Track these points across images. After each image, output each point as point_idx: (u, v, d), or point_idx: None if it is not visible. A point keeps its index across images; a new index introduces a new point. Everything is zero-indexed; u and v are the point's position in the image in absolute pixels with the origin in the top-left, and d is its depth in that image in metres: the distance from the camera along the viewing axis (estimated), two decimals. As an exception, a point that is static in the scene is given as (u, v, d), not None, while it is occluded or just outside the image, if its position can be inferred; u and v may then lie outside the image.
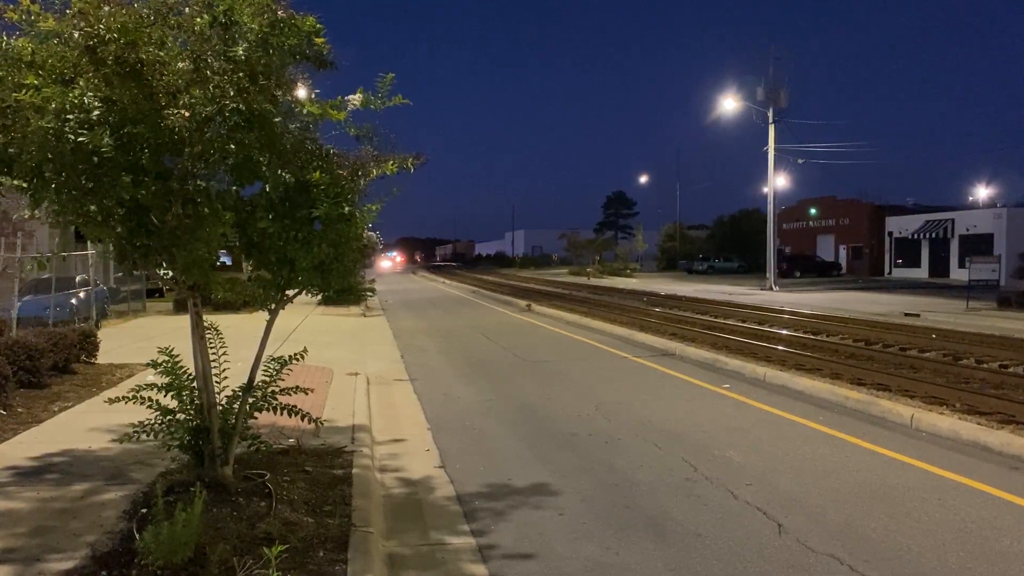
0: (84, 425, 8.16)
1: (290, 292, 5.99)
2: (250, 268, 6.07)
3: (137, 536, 4.59)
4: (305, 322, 20.77)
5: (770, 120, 40.65)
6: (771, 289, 38.24)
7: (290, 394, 6.20)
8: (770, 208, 41.54)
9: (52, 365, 10.56)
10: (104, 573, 4.35)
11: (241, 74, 4.79)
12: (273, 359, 6.23)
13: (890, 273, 55.59)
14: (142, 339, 16.10)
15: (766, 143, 40.98)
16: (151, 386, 5.87)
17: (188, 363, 5.95)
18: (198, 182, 5.05)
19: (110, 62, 4.51)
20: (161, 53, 4.69)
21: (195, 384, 5.85)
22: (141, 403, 5.84)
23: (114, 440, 6.99)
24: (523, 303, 29.34)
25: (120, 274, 24.95)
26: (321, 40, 5.20)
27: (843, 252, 61.06)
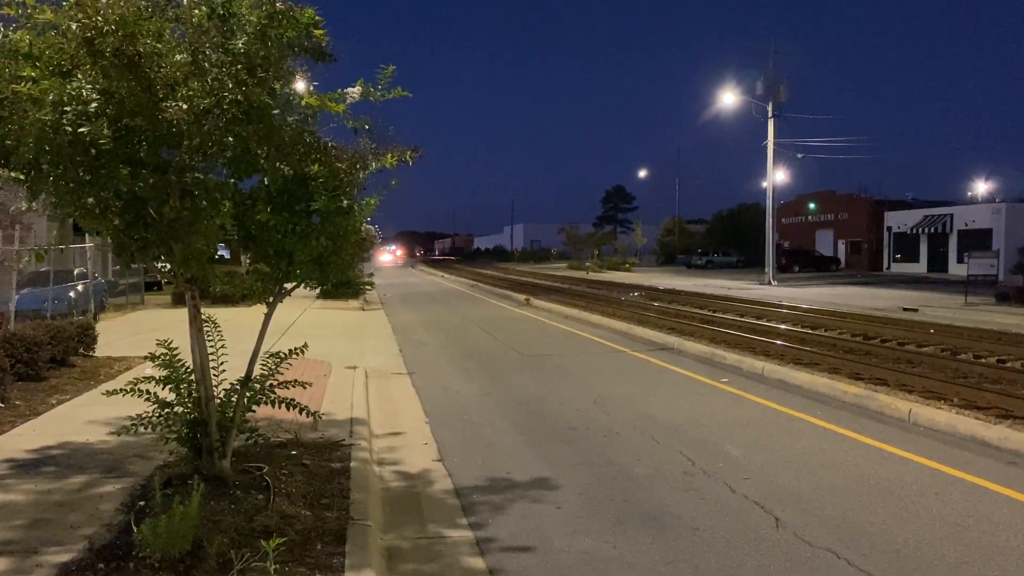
0: (82, 418, 8.16)
1: (288, 285, 5.98)
2: (248, 261, 6.06)
3: (135, 529, 4.60)
4: (303, 316, 20.76)
5: (769, 114, 40.63)
6: (769, 284, 38.26)
7: (288, 387, 6.20)
8: (769, 203, 41.54)
9: (50, 358, 10.55)
10: (102, 566, 4.35)
11: (239, 66, 4.77)
12: (272, 353, 6.23)
13: (889, 268, 55.60)
14: (140, 332, 16.10)
15: (765, 138, 40.98)
16: (149, 379, 5.87)
17: (186, 356, 5.94)
18: (196, 175, 5.04)
19: (108, 54, 4.50)
20: (159, 45, 4.67)
21: (193, 377, 5.84)
22: (139, 396, 5.83)
23: (112, 433, 6.99)
24: (522, 297, 29.34)
25: (118, 267, 24.93)
26: (320, 32, 5.17)
27: (842, 247, 61.05)
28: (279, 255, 5.63)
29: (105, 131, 4.47)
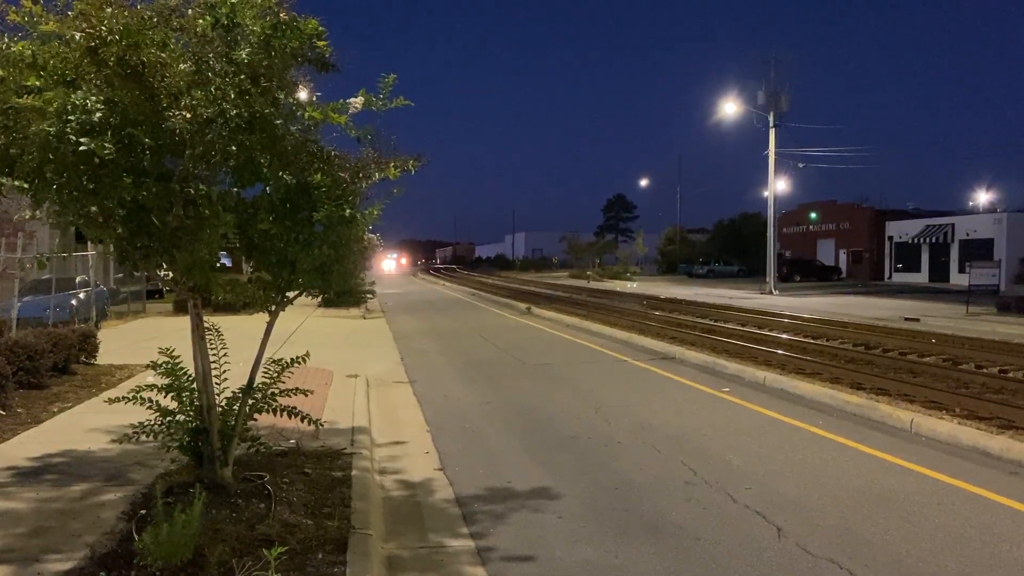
0: (84, 426, 8.16)
1: (290, 294, 5.99)
2: (250, 269, 6.07)
3: (136, 537, 4.59)
4: (305, 324, 20.77)
5: (771, 124, 40.68)
6: (771, 293, 38.23)
7: (290, 395, 6.20)
8: (770, 212, 41.55)
9: (52, 365, 10.56)
10: (103, 574, 4.35)
11: (243, 76, 4.79)
12: (273, 361, 6.23)
13: (890, 277, 55.59)
14: (142, 340, 16.10)
15: (767, 147, 41.02)
16: (151, 387, 5.88)
17: (188, 364, 5.95)
18: (199, 184, 5.06)
19: (112, 63, 4.52)
20: (163, 55, 4.69)
21: (195, 385, 5.85)
22: (141, 404, 5.84)
23: (114, 441, 6.99)
24: (523, 306, 29.35)
25: (120, 275, 24.97)
26: (323, 43, 5.21)
27: (843, 256, 61.06)
28: (281, 264, 5.64)
29: (107, 143, 4.48)
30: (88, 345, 12.24)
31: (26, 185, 4.91)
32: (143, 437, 5.78)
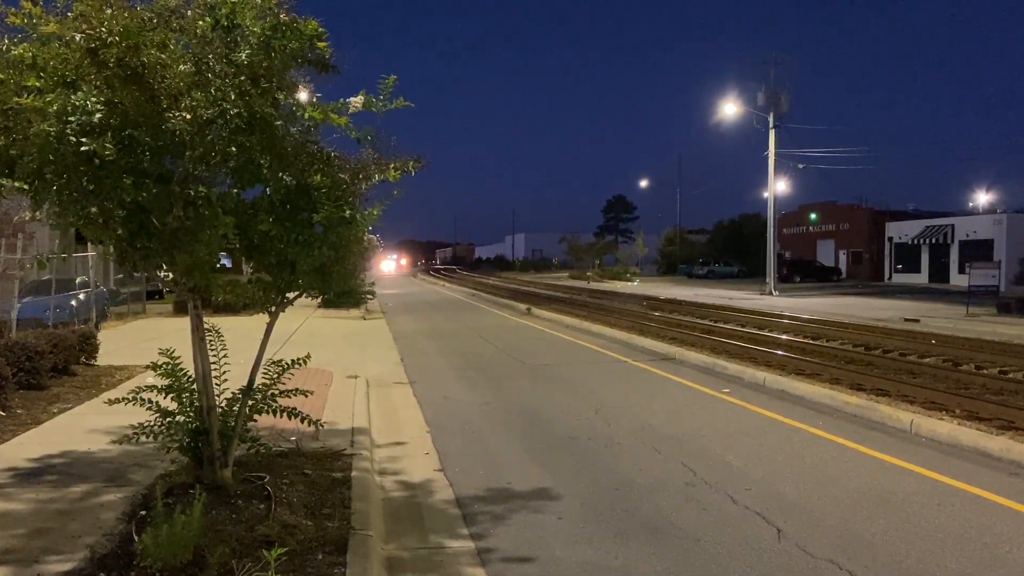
0: (83, 427, 8.16)
1: (290, 295, 5.99)
2: (250, 270, 6.07)
3: (136, 538, 4.60)
4: (305, 324, 20.77)
5: (770, 125, 40.69)
6: (771, 294, 38.23)
7: (290, 396, 6.20)
8: (770, 213, 41.56)
9: (52, 366, 10.55)
10: (102, 575, 4.35)
11: (243, 77, 4.80)
12: (274, 363, 6.23)
13: (890, 278, 55.59)
14: (142, 341, 16.10)
15: (767, 148, 41.03)
16: (151, 388, 5.88)
17: (188, 365, 5.95)
18: (199, 185, 5.06)
19: (112, 65, 4.52)
20: (163, 56, 4.70)
21: (195, 386, 5.85)
22: (141, 405, 5.85)
23: (113, 442, 7.00)
24: (523, 306, 29.35)
25: (120, 276, 24.96)
26: (323, 44, 5.21)
27: (843, 257, 61.07)
28: (281, 264, 5.64)
29: (108, 144, 4.48)
30: (88, 346, 12.23)
31: (26, 186, 4.92)
32: (143, 438, 5.78)
